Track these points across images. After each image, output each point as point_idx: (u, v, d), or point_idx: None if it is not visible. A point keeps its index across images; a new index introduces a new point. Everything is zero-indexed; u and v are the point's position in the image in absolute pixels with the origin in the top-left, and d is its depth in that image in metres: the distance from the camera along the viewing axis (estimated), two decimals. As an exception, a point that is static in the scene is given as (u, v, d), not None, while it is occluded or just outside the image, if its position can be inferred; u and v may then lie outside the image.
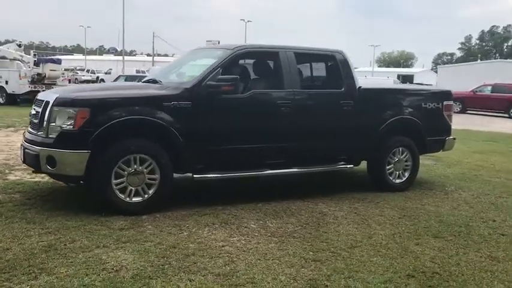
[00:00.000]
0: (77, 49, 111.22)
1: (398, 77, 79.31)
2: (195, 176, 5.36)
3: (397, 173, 6.79)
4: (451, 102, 7.26)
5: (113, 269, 3.61)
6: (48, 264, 3.62)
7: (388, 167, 6.69)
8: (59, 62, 22.29)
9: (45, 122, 4.95)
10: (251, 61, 6.26)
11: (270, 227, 4.85)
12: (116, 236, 4.33)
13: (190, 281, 3.47)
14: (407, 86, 14.53)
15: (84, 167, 4.84)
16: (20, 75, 20.14)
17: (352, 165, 6.44)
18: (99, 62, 69.52)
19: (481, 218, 5.58)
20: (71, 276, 3.43)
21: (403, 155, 6.79)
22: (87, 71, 54.73)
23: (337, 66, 6.35)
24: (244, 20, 63.67)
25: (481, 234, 4.96)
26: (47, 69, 20.55)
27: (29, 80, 20.11)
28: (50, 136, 4.89)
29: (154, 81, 5.75)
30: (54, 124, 4.89)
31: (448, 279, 3.75)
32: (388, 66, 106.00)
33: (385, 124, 6.51)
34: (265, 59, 6.19)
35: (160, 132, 5.10)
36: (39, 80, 20.24)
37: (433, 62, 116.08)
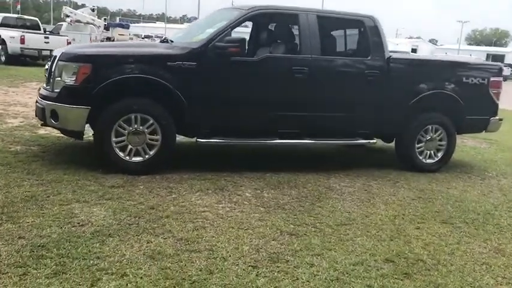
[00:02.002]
0: (162, 18, 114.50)
1: (488, 56, 74.04)
2: (198, 140, 5.23)
3: (429, 152, 6.26)
4: (499, 79, 6.51)
5: (78, 223, 3.59)
6: (19, 213, 3.67)
7: (418, 146, 6.18)
8: (127, 26, 23.21)
9: (52, 77, 5.02)
10: (267, 23, 5.95)
11: (265, 197, 4.63)
12: (102, 192, 4.32)
13: (148, 242, 3.37)
14: (448, 57, 13.40)
15: (84, 123, 4.87)
16: (90, 39, 20.99)
17: (374, 141, 6.01)
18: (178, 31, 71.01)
19: (509, 207, 5.01)
20: (33, 226, 3.44)
21: (437, 134, 6.23)
22: (165, 38, 56.28)
23: (365, 33, 5.88)
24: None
25: (499, 224, 4.44)
26: (115, 33, 21.39)
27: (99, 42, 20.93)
28: (55, 90, 4.95)
29: (166, 41, 5.64)
30: (59, 79, 4.94)
31: (431, 268, 3.36)
32: (479, 45, 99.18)
33: (416, 98, 5.98)
34: (283, 22, 5.86)
35: (162, 92, 4.99)
36: (108, 44, 21.03)
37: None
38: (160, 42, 5.85)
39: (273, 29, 6.02)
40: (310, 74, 5.46)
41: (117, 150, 4.95)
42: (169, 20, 78.68)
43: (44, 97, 5.09)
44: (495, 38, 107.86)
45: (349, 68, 5.80)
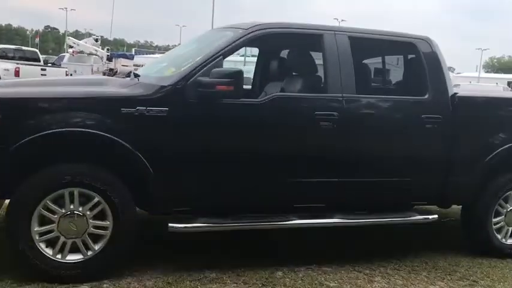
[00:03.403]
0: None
1: (509, 84, 71.86)
2: (170, 224, 3.41)
3: (511, 229, 4.38)
4: None
5: None
6: None
7: (495, 220, 4.30)
8: (131, 57, 21.98)
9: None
10: (276, 48, 4.20)
11: (271, 334, 2.77)
12: (-8, 335, 2.51)
13: None
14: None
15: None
16: (92, 70, 19.88)
17: (435, 217, 4.14)
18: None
19: None
20: None
21: (523, 203, 4.35)
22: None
23: (419, 61, 4.08)
24: (337, 19, 60.91)
25: None
26: (118, 64, 20.24)
27: (101, 74, 19.76)
28: (-46, 151, 3.22)
29: (130, 76, 3.90)
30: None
31: None
32: (497, 72, 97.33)
33: (495, 153, 4.14)
34: (300, 46, 4.07)
35: (113, 154, 3.23)
36: (110, 75, 19.76)
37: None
38: (126, 76, 4.11)
39: (285, 56, 4.26)
40: (341, 122, 3.66)
41: (41, 246, 3.16)
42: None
43: None
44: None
45: (398, 112, 3.99)
